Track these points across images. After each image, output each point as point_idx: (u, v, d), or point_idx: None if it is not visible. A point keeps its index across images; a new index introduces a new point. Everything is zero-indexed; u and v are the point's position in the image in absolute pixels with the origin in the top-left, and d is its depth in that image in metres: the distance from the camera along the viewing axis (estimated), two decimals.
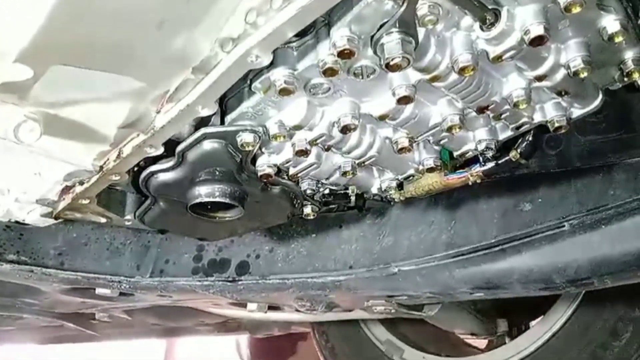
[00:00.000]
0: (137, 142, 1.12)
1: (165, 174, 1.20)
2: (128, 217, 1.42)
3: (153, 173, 1.20)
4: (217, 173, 1.18)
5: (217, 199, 1.22)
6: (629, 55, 0.98)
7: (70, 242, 1.66)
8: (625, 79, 1.02)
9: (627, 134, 1.53)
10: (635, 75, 1.00)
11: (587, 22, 0.92)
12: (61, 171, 1.19)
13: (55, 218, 1.35)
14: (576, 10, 0.85)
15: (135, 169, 1.24)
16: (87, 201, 1.30)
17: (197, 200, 1.23)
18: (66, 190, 1.28)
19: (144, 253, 1.73)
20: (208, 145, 1.11)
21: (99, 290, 1.75)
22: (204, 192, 1.21)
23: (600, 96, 1.10)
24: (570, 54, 0.96)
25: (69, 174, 1.20)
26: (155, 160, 1.19)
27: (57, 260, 1.63)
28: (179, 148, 1.14)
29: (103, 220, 1.42)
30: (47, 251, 1.59)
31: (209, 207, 1.30)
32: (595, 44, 0.95)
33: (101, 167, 1.20)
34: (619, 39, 0.91)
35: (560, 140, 1.54)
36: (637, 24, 0.97)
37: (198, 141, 1.11)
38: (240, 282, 1.66)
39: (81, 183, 1.25)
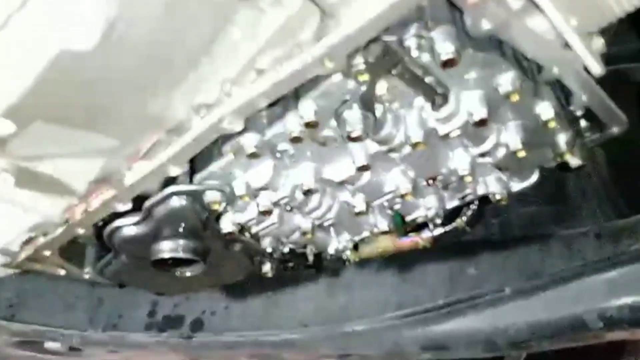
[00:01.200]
0: (106, 197, 1.16)
1: (130, 228, 1.23)
2: (87, 269, 1.43)
3: (118, 227, 1.23)
4: (182, 229, 1.22)
5: (181, 255, 1.26)
6: (561, 138, 1.11)
7: (23, 294, 1.64)
8: (558, 159, 1.15)
9: (561, 207, 1.67)
10: (567, 157, 1.12)
11: (525, 108, 1.04)
12: (27, 222, 1.21)
13: (14, 268, 1.36)
14: (515, 98, 0.98)
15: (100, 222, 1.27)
16: (48, 252, 1.31)
17: (161, 256, 1.26)
18: (29, 241, 1.29)
19: (98, 307, 1.72)
20: (176, 202, 1.16)
21: (48, 344, 1.72)
22: (167, 248, 1.25)
23: (537, 173, 1.22)
24: (510, 135, 1.08)
25: (34, 225, 1.22)
26: (121, 214, 1.23)
27: (7, 311, 1.60)
28: (147, 204, 1.18)
29: (62, 272, 1.42)
30: None
31: (170, 262, 1.33)
32: (532, 127, 1.07)
33: (67, 220, 1.23)
34: (552, 125, 1.04)
35: (502, 211, 1.66)
36: (568, 112, 1.10)
37: (166, 198, 1.16)
38: (194, 339, 1.66)
39: (45, 234, 1.27)
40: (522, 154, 1.07)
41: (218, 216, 1.23)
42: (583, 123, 1.21)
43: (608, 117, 1.17)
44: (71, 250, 1.40)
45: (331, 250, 1.38)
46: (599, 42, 1.03)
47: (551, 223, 1.63)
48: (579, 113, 1.18)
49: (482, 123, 1.00)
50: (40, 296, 1.70)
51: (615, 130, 1.21)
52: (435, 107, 1.02)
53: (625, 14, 0.98)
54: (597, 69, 1.02)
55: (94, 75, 0.90)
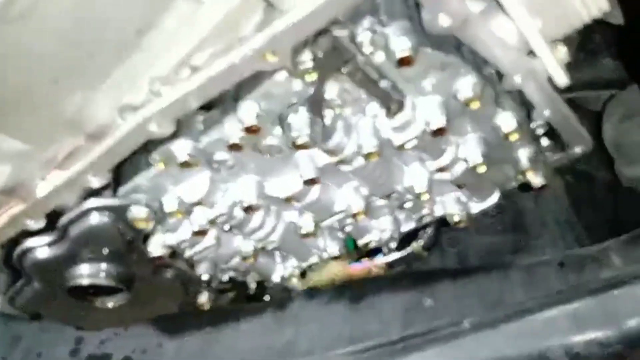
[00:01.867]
0: (15, 211, 1.01)
1: (43, 249, 1.08)
2: None
3: (30, 248, 1.08)
4: (103, 252, 1.08)
5: (101, 282, 1.11)
6: (523, 153, 1.03)
7: None
8: (520, 177, 1.07)
9: (521, 236, 1.60)
10: (530, 174, 1.04)
11: (486, 118, 0.96)
12: None
13: None
14: (475, 105, 0.89)
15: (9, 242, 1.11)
16: None
17: (78, 282, 1.11)
18: None
19: (14, 345, 1.52)
20: (95, 219, 1.02)
21: None
22: (86, 273, 1.10)
23: (497, 193, 1.14)
24: (469, 148, 0.99)
25: None
26: (33, 233, 1.07)
27: None
28: (62, 221, 1.03)
29: None
30: None
31: (92, 290, 1.18)
32: (493, 141, 1.00)
33: None
34: (514, 137, 0.96)
35: (460, 239, 1.58)
36: (530, 125, 1.03)
37: (84, 214, 1.02)
38: None
39: None
40: (482, 169, 0.99)
41: (146, 237, 1.09)
42: (545, 142, 1.14)
43: (571, 136, 1.10)
44: None
45: (276, 278, 1.26)
46: (563, 51, 0.97)
47: (510, 252, 1.56)
48: (540, 130, 1.11)
49: (440, 132, 0.91)
50: None
51: (578, 150, 1.14)
52: (390, 114, 0.92)
53: (591, 20, 0.92)
54: (563, 78, 0.95)
55: None
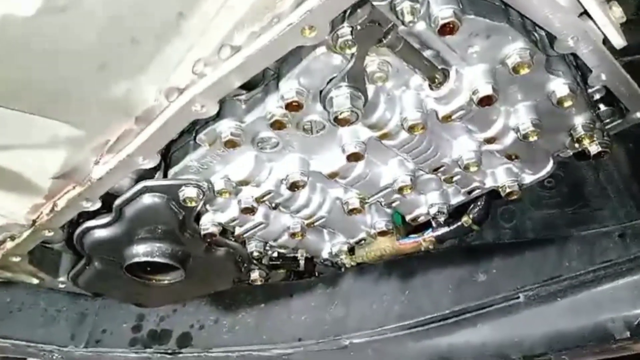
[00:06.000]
0: (72, 194, 1.06)
1: (101, 230, 1.13)
2: (62, 278, 1.33)
3: (88, 229, 1.13)
4: (157, 231, 1.12)
5: (156, 259, 1.15)
6: (578, 121, 0.98)
7: (2, 307, 1.55)
8: (576, 145, 1.02)
9: (582, 208, 1.53)
10: (586, 142, 0.99)
11: (537, 85, 0.92)
12: None
13: None
14: (524, 71, 0.85)
15: (71, 225, 1.16)
16: (18, 259, 1.21)
17: (135, 260, 1.15)
18: None
19: (80, 321, 1.61)
20: (148, 199, 1.06)
21: None
22: (142, 251, 1.14)
23: (551, 163, 1.10)
24: (520, 117, 0.95)
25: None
26: (91, 215, 1.12)
27: None
28: (117, 202, 1.08)
29: (35, 280, 1.32)
30: None
31: (148, 268, 1.22)
32: (545, 108, 0.95)
33: (34, 221, 1.12)
34: (568, 104, 0.91)
35: (514, 214, 1.53)
36: (585, 90, 0.98)
37: (137, 195, 1.05)
38: (180, 355, 1.54)
39: (12, 238, 1.16)
40: (534, 138, 0.95)
41: (198, 217, 1.12)
42: (602, 107, 1.08)
43: (630, 100, 1.04)
44: (43, 257, 1.30)
45: (324, 254, 1.26)
46: (618, 11, 0.92)
47: (569, 226, 1.50)
48: (597, 95, 1.06)
49: (487, 101, 0.88)
50: (22, 310, 1.60)
51: (638, 115, 1.08)
52: (435, 85, 0.90)
53: None
54: (618, 39, 0.90)
55: (44, 46, 0.80)
